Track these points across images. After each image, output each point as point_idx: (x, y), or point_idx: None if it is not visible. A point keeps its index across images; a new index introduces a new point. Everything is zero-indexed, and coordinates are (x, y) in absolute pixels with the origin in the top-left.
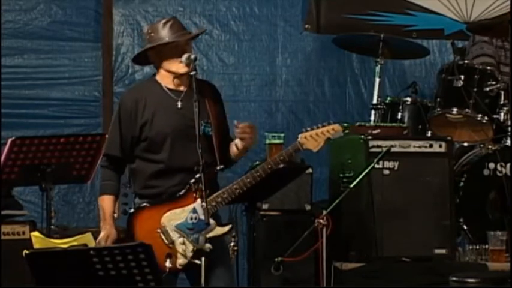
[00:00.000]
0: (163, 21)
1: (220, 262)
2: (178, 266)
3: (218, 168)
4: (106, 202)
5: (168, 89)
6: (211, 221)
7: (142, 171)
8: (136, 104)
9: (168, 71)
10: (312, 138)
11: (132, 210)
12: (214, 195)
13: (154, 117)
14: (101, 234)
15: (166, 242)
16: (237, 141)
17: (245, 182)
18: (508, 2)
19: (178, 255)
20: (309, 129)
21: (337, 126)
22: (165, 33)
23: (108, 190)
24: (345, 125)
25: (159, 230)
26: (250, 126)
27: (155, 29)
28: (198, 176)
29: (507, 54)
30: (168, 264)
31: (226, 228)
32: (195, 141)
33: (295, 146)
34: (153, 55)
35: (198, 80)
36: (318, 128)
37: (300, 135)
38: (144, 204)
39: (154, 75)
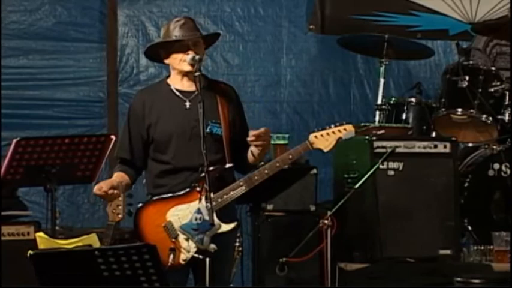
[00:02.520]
0: (177, 19)
1: (218, 261)
2: (181, 261)
3: (227, 166)
4: (115, 174)
5: (178, 90)
6: (216, 221)
7: (152, 170)
8: (143, 106)
9: (176, 70)
10: (323, 138)
11: (139, 205)
12: (220, 192)
13: (160, 118)
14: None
15: (170, 236)
16: (253, 148)
17: (252, 180)
18: None
19: (182, 250)
20: (319, 128)
21: (349, 126)
22: (174, 31)
23: (118, 169)
24: (362, 124)
25: (163, 225)
26: (264, 132)
27: (167, 26)
28: (202, 175)
29: (507, 59)
30: (171, 258)
31: (232, 225)
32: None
33: (305, 145)
34: (163, 53)
35: (213, 81)
36: (329, 127)
37: (310, 135)
38: (151, 198)
39: (168, 77)
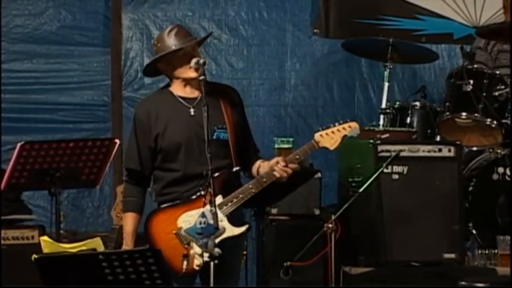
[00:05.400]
0: (168, 29)
1: (227, 266)
2: (195, 266)
3: (234, 170)
4: (127, 220)
5: (181, 97)
6: (227, 225)
7: (161, 179)
8: (149, 115)
9: (180, 78)
10: (328, 136)
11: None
12: (230, 196)
13: (167, 128)
14: None
15: (182, 243)
16: (267, 170)
17: (261, 182)
18: None
19: (196, 256)
20: (324, 127)
21: (354, 123)
22: (171, 42)
23: (130, 207)
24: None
25: (175, 232)
26: (293, 169)
27: (161, 39)
28: (210, 179)
29: (507, 56)
30: (185, 265)
31: (243, 228)
32: (210, 146)
33: (311, 145)
34: (162, 65)
35: (216, 84)
36: (334, 126)
37: (315, 134)
38: (161, 206)
39: (168, 85)
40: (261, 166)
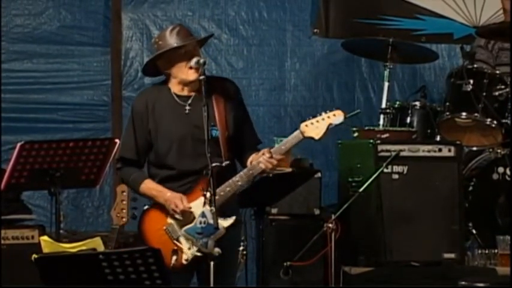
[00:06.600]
0: (170, 28)
1: (223, 265)
2: (183, 261)
3: (224, 164)
4: (148, 184)
5: (177, 95)
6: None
7: (155, 176)
8: (146, 107)
9: (177, 78)
10: (313, 126)
11: (145, 207)
12: (217, 190)
13: (160, 124)
14: (172, 201)
15: (172, 239)
16: (255, 162)
17: (247, 174)
18: None
19: (184, 250)
20: (310, 117)
21: (338, 111)
22: (173, 40)
23: (142, 177)
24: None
25: (164, 228)
26: (280, 159)
27: (162, 37)
28: (202, 177)
29: (508, 54)
30: (173, 260)
31: (230, 221)
32: (203, 144)
33: (297, 135)
34: (162, 63)
35: (212, 78)
36: (319, 115)
37: (301, 124)
38: (153, 203)
39: (166, 81)
40: (253, 159)
